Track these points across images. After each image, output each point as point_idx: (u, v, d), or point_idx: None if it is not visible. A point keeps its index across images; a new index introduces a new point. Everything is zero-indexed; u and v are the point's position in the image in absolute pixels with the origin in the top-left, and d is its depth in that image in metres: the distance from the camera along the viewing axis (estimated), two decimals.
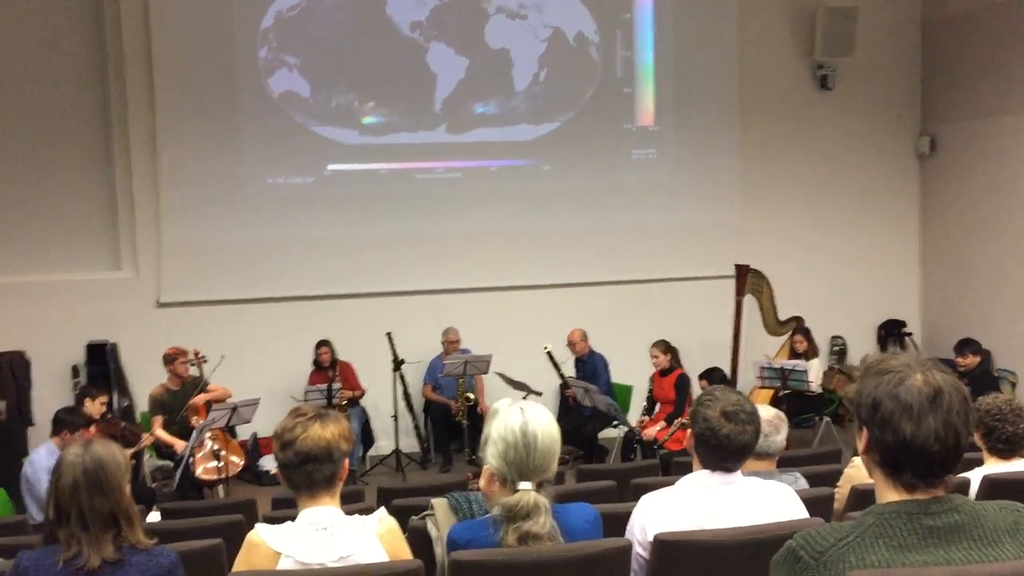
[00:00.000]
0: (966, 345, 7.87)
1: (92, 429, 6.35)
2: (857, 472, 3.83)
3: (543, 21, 9.09)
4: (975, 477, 3.71)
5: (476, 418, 8.07)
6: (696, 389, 7.68)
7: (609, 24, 9.19)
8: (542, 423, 2.49)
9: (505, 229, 9.09)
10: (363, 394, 8.44)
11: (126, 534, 2.48)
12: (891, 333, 10.02)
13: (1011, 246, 8.87)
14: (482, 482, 2.53)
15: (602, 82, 9.23)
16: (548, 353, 8.02)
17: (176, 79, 8.31)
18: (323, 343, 8.32)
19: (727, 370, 8.17)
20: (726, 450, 2.71)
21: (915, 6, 9.85)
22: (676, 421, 7.38)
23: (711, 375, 7.54)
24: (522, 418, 2.48)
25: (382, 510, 2.62)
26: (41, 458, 5.77)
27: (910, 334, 10.00)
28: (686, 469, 2.93)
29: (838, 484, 3.98)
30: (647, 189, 9.38)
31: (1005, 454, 3.80)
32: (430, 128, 8.96)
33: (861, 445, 1.72)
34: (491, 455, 2.49)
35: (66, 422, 5.94)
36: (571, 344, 8.29)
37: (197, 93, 8.36)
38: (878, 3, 9.66)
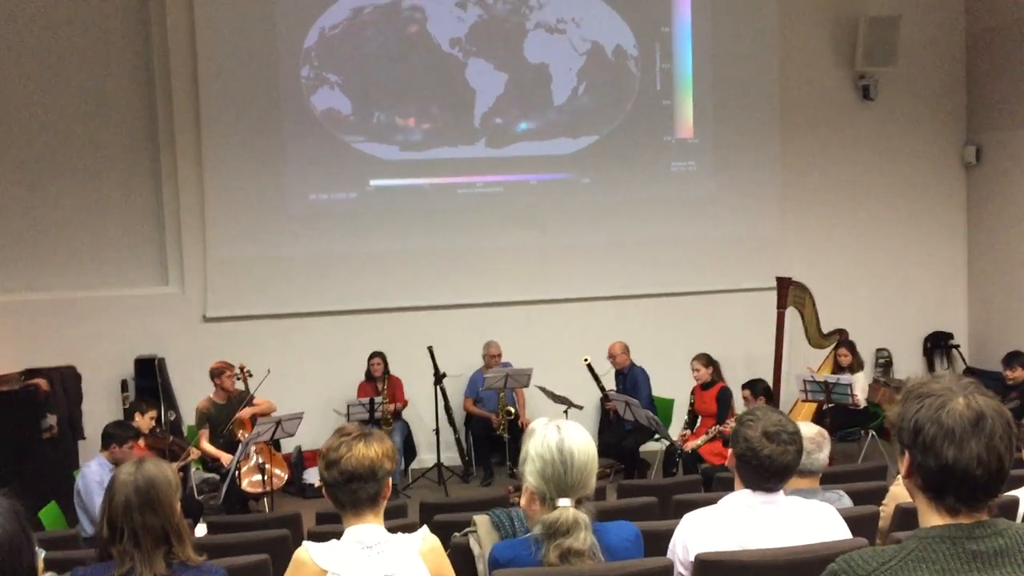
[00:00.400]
0: (1015, 358, 7.75)
1: (141, 442, 6.50)
2: (902, 490, 3.79)
3: (582, 35, 9.12)
4: (1023, 495, 3.66)
5: (517, 431, 8.09)
6: (739, 399, 7.63)
7: (648, 37, 9.20)
8: (578, 440, 2.52)
9: (546, 243, 9.12)
10: (405, 405, 8.50)
11: (177, 551, 2.54)
12: (938, 345, 9.88)
13: None
14: (523, 502, 2.56)
15: (641, 95, 9.24)
16: (588, 365, 8.02)
17: (221, 98, 8.47)
18: (376, 354, 8.40)
19: (770, 383, 8.10)
20: (768, 470, 2.71)
21: (959, 15, 9.73)
22: (712, 429, 7.35)
23: (754, 386, 7.50)
24: (558, 436, 2.51)
25: (425, 528, 2.66)
26: (92, 472, 5.90)
27: (957, 346, 9.85)
28: (728, 484, 2.93)
29: (883, 502, 3.94)
30: (687, 201, 9.36)
31: None
32: (470, 143, 9.03)
33: (903, 469, 1.72)
34: (529, 473, 2.52)
35: (115, 436, 6.07)
36: (612, 357, 8.29)
37: (241, 112, 8.51)
38: (921, 12, 9.56)
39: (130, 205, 8.57)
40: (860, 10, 9.33)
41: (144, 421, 6.85)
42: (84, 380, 8.12)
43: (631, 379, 8.23)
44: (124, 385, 8.39)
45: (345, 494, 2.51)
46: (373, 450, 2.51)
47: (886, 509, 3.85)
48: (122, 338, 8.37)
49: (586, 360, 8.03)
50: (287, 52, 8.59)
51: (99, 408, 8.05)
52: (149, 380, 8.27)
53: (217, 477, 7.38)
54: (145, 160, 8.57)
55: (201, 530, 5.31)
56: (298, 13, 8.58)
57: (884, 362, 9.71)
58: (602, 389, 8.13)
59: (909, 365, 9.74)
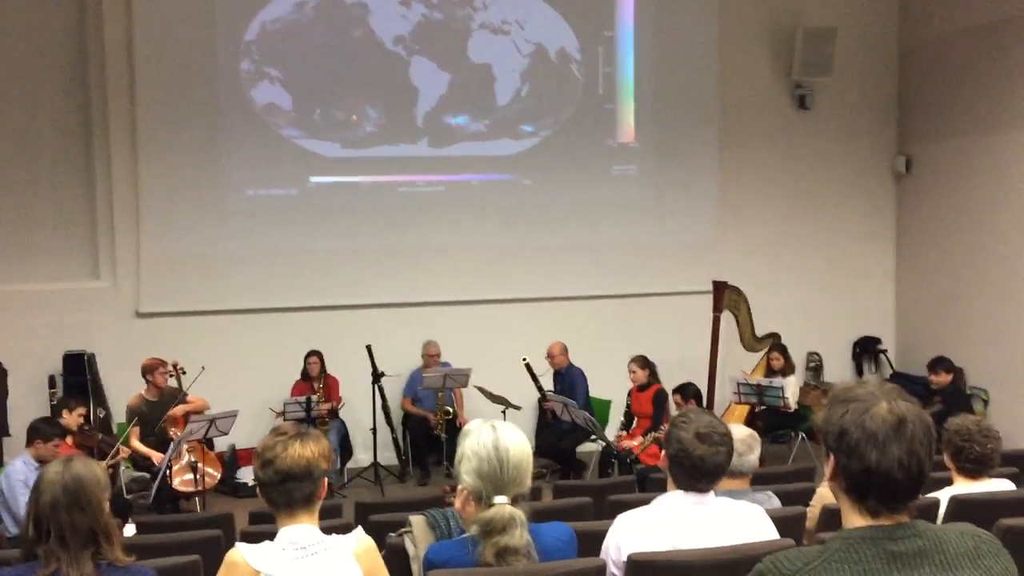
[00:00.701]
0: (939, 363, 8.00)
1: (69, 440, 6.35)
2: (829, 492, 3.88)
3: (526, 37, 9.16)
4: (943, 497, 3.78)
5: (455, 431, 8.08)
6: (671, 403, 7.74)
7: (591, 41, 9.28)
8: (514, 439, 2.55)
9: (486, 243, 9.14)
10: (340, 403, 8.44)
11: (105, 551, 2.49)
12: (866, 350, 10.14)
13: (984, 265, 9.00)
14: (457, 503, 2.56)
15: (583, 98, 9.31)
16: (527, 365, 8.06)
17: (159, 89, 8.31)
18: (313, 353, 8.32)
19: (704, 386, 8.23)
20: (699, 471, 2.76)
21: (892, 28, 10.00)
22: (649, 435, 7.45)
23: (684, 389, 7.61)
24: (494, 434, 2.53)
25: (359, 529, 2.65)
26: (16, 471, 5.75)
27: (885, 351, 10.12)
28: (662, 485, 2.98)
29: (810, 503, 4.03)
30: (627, 205, 9.46)
31: (973, 474, 3.86)
32: (412, 142, 9.00)
33: (828, 471, 1.78)
34: (465, 472, 2.53)
35: (40, 431, 5.94)
36: (550, 357, 8.34)
37: (180, 104, 8.36)
38: (856, 25, 9.81)
39: (61, 196, 8.36)
40: (798, 21, 9.53)
41: (72, 418, 6.70)
42: (10, 376, 7.90)
43: (569, 379, 8.28)
44: (52, 381, 8.18)
45: (279, 494, 2.49)
46: (309, 450, 2.50)
47: (813, 510, 3.95)
48: (51, 333, 8.17)
49: (524, 360, 8.07)
50: (227, 44, 8.46)
51: (26, 404, 7.83)
52: (78, 376, 8.08)
53: (148, 476, 7.25)
54: (78, 150, 8.37)
55: (130, 530, 5.21)
56: (239, 5, 8.47)
57: (815, 365, 9.94)
58: (540, 389, 8.18)
59: (839, 369, 9.98)
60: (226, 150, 8.54)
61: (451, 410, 8.37)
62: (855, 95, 9.96)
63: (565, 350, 8.37)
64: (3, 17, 8.08)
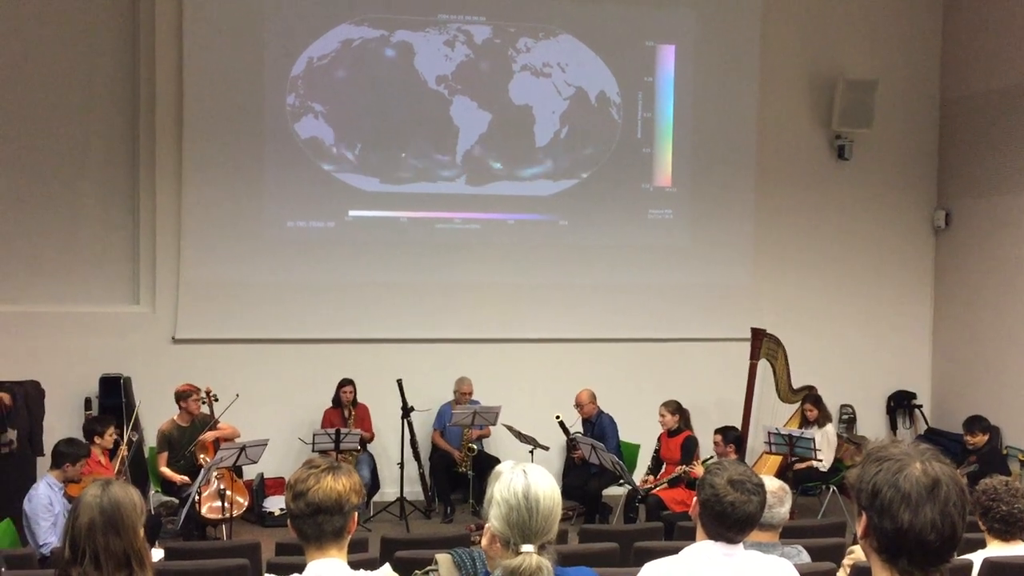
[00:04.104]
0: (975, 422, 7.87)
1: (101, 458, 6.44)
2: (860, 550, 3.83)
3: (566, 80, 9.26)
4: (977, 559, 3.72)
5: (481, 468, 8.07)
6: (710, 444, 7.63)
7: (631, 86, 9.36)
8: (544, 486, 2.53)
9: (521, 282, 9.17)
10: (372, 438, 8.47)
11: (137, 575, 2.53)
12: (901, 404, 10.01)
13: (1022, 323, 8.88)
14: (484, 542, 2.57)
15: (622, 142, 9.37)
16: (560, 422, 8.04)
17: (205, 120, 8.49)
18: (347, 381, 8.38)
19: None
20: (730, 518, 2.74)
21: (934, 82, 9.99)
22: (679, 468, 7.37)
23: (726, 432, 7.48)
24: (525, 481, 2.51)
25: (387, 567, 2.66)
26: (40, 496, 5.81)
27: (920, 406, 9.98)
28: (689, 532, 2.96)
29: (843, 563, 3.97)
30: (662, 249, 9.47)
31: (1004, 535, 3.80)
32: (450, 179, 9.10)
33: (860, 529, 1.77)
34: (494, 517, 2.52)
35: (66, 455, 6.01)
36: (579, 405, 8.30)
37: (225, 135, 8.54)
38: (897, 78, 9.81)
39: (105, 221, 8.54)
40: (839, 72, 9.56)
41: (107, 440, 6.79)
42: (48, 396, 8.02)
43: (599, 428, 8.22)
44: (88, 403, 8.30)
45: (310, 526, 2.51)
46: (341, 483, 2.52)
47: (845, 569, 3.89)
48: (89, 355, 8.29)
49: (558, 417, 8.04)
50: (274, 79, 8.64)
51: (60, 424, 7.94)
52: (114, 399, 8.19)
53: (176, 501, 7.31)
54: (124, 177, 8.55)
55: (157, 554, 5.25)
56: (288, 41, 8.65)
57: (848, 418, 9.82)
58: (569, 438, 8.14)
59: (872, 423, 9.85)
60: (268, 182, 8.69)
61: (475, 447, 8.36)
62: (895, 148, 9.94)
63: (593, 397, 8.33)
64: (56, 47, 8.31)
